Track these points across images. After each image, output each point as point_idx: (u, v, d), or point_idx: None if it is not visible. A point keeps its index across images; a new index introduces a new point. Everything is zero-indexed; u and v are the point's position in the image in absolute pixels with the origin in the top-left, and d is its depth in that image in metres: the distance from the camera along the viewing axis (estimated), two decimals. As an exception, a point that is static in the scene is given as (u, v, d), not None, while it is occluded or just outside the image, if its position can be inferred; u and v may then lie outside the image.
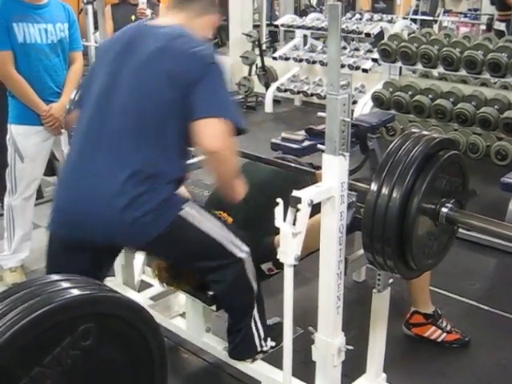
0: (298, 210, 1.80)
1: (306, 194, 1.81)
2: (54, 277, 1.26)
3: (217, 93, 2.02)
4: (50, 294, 1.14)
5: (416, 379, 2.65)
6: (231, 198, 2.18)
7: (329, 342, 2.06)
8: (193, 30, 2.14)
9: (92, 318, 1.15)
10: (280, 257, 1.86)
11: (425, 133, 1.96)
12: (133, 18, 4.33)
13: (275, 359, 2.44)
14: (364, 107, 6.18)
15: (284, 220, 1.83)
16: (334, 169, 1.88)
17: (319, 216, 1.96)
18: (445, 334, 2.84)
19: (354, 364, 2.33)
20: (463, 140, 5.39)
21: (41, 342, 1.10)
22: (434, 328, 2.83)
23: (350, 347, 2.09)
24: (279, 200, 1.81)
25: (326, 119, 1.85)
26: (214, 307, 2.41)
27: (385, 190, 1.82)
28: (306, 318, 2.23)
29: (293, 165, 2.42)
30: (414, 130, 1.99)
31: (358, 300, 3.11)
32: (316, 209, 1.93)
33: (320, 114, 1.91)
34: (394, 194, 1.81)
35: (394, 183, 1.81)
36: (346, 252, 2.03)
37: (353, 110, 6.30)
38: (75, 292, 1.16)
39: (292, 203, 1.81)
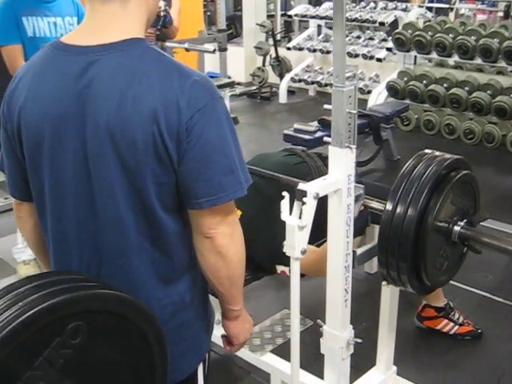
0: (303, 203, 1.79)
1: (312, 187, 1.80)
2: (37, 277, 1.25)
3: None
4: (34, 297, 1.13)
5: (427, 372, 2.64)
6: (232, 331, 1.58)
7: (337, 335, 2.05)
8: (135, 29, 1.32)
9: (79, 316, 1.15)
10: (286, 250, 1.85)
11: (437, 153, 2.01)
12: (145, 10, 4.29)
13: (284, 352, 2.44)
14: (378, 97, 6.13)
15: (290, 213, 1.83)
16: (341, 161, 1.86)
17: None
18: (457, 327, 2.82)
19: (364, 356, 2.33)
20: (478, 129, 5.34)
21: (29, 346, 1.09)
22: (446, 321, 2.82)
23: (359, 340, 2.07)
24: (285, 193, 1.80)
25: (332, 111, 1.84)
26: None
27: (400, 210, 1.89)
28: (317, 310, 2.22)
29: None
30: (426, 151, 2.03)
31: (370, 292, 3.10)
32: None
33: (326, 106, 1.89)
34: (410, 213, 1.87)
35: (409, 203, 1.88)
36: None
37: (367, 100, 6.26)
38: (58, 293, 1.15)
39: (298, 196, 1.80)
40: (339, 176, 1.87)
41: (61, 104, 1.27)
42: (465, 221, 1.97)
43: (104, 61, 1.25)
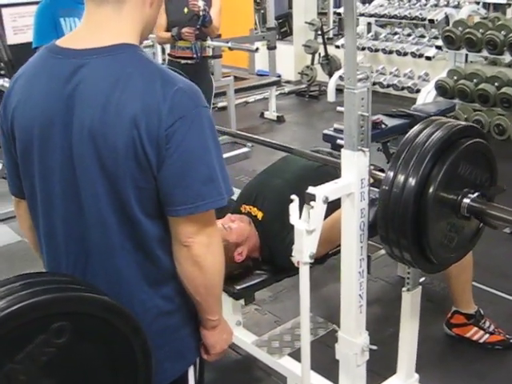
0: (312, 207, 1.76)
1: (321, 191, 1.77)
2: (31, 275, 1.28)
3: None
4: (23, 293, 1.16)
5: (452, 381, 2.56)
6: (209, 340, 1.51)
7: (351, 341, 2.01)
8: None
9: (65, 316, 1.16)
10: (295, 254, 1.83)
11: (447, 120, 1.85)
12: (185, 10, 4.30)
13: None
14: (427, 96, 5.99)
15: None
16: (353, 165, 1.83)
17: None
18: (487, 335, 2.72)
19: (388, 363, 2.29)
20: (529, 130, 5.15)
21: (12, 339, 1.12)
22: (475, 329, 2.73)
23: (374, 347, 2.03)
24: (294, 197, 1.78)
25: (344, 114, 1.80)
26: (242, 301, 2.41)
27: (400, 178, 1.73)
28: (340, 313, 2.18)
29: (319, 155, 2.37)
30: (437, 117, 1.88)
31: (401, 296, 3.02)
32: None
33: (339, 108, 1.86)
34: (410, 182, 1.70)
35: (409, 171, 1.72)
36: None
37: (415, 99, 6.13)
38: (46, 292, 1.18)
39: (306, 200, 1.77)
40: (352, 180, 1.84)
41: (50, 106, 1.30)
42: (477, 194, 1.78)
43: (91, 65, 1.28)
